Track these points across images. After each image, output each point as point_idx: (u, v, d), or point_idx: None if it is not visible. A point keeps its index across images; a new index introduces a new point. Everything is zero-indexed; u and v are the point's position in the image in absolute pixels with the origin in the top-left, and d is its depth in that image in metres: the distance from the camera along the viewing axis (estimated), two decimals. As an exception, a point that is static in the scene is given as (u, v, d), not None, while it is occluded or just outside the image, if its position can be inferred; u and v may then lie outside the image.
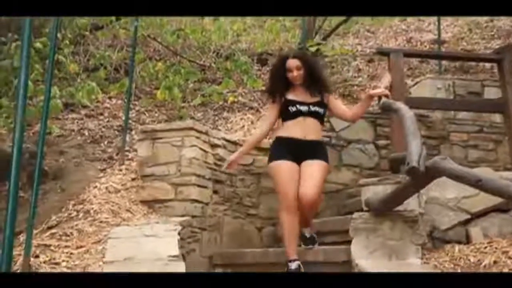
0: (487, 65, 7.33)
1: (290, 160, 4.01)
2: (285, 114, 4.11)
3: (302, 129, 4.05)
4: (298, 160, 4.03)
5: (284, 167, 3.99)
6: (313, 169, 4.00)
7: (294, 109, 4.06)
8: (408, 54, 5.74)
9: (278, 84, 4.14)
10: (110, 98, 7.11)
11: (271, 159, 4.10)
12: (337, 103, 4.33)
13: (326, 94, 4.20)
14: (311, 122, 4.08)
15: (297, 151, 4.02)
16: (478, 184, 2.97)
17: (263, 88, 7.57)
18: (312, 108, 4.08)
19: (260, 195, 5.58)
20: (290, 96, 4.13)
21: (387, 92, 4.15)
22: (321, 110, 4.13)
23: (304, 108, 4.06)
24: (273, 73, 4.30)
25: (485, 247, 4.16)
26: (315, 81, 4.12)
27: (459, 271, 3.89)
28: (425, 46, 8.85)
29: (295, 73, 4.08)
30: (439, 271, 3.93)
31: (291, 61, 4.11)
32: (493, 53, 5.88)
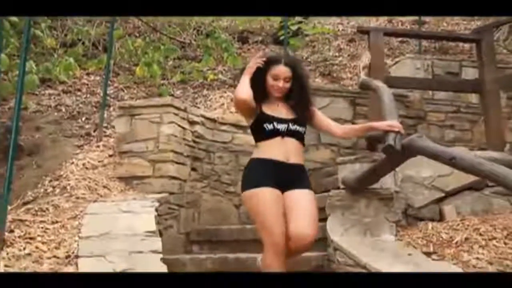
0: (466, 46, 7.40)
1: (274, 187, 3.11)
2: (259, 132, 3.21)
3: (282, 151, 3.17)
4: (281, 188, 3.15)
5: (268, 197, 3.07)
6: (306, 202, 3.15)
7: (270, 127, 3.16)
8: (388, 33, 5.74)
9: (257, 90, 3.17)
10: (88, 74, 7.02)
11: (248, 186, 3.13)
12: (321, 117, 3.42)
13: (307, 108, 3.34)
14: (291, 143, 3.20)
15: (280, 176, 3.13)
16: (451, 161, 3.01)
17: (244, 67, 7.54)
18: (292, 127, 3.21)
19: (238, 172, 5.58)
20: (266, 109, 3.22)
21: (395, 127, 3.34)
22: (301, 129, 3.26)
23: (282, 127, 3.18)
24: (254, 74, 3.21)
25: (458, 225, 4.24)
26: (300, 97, 3.28)
27: (431, 247, 3.97)
28: (406, 26, 8.86)
29: (281, 84, 3.21)
30: (411, 250, 4.00)
31: (282, 68, 3.22)
32: (472, 33, 5.92)
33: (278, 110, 3.25)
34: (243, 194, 3.16)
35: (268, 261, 3.05)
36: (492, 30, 5.92)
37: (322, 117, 3.42)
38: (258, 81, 3.19)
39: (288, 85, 3.25)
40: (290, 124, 3.20)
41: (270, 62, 3.24)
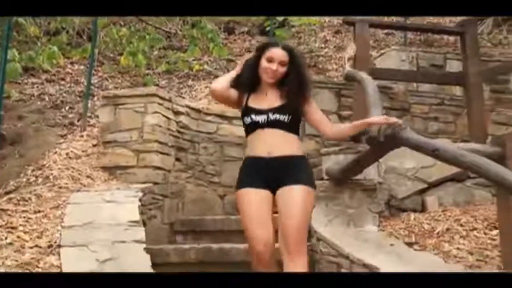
0: (451, 38, 7.43)
1: (260, 187, 2.81)
2: (244, 126, 2.98)
3: (263, 144, 2.87)
4: (271, 186, 2.83)
5: (251, 198, 2.79)
6: (298, 200, 2.77)
7: (249, 120, 2.91)
8: (373, 25, 5.75)
9: (248, 76, 2.94)
10: (72, 63, 6.96)
11: (237, 187, 2.91)
12: (314, 111, 3.02)
13: (301, 98, 2.98)
14: (273, 134, 2.88)
15: (264, 173, 2.83)
16: (434, 153, 3.03)
17: (230, 58, 7.55)
18: (272, 116, 2.89)
19: (223, 163, 5.59)
20: (250, 101, 2.96)
21: (392, 120, 3.10)
22: (284, 117, 2.90)
23: (260, 118, 2.89)
24: (248, 61, 3.01)
25: (439, 215, 4.29)
26: (295, 84, 2.95)
27: (413, 238, 4.01)
28: (392, 19, 8.88)
29: (275, 66, 2.90)
30: (393, 240, 4.04)
31: (278, 51, 2.92)
32: (456, 26, 5.95)
33: (263, 100, 2.94)
34: (236, 193, 2.90)
35: (253, 266, 2.79)
36: (476, 23, 5.96)
37: (314, 111, 3.02)
38: (251, 67, 2.94)
39: (282, 70, 2.92)
40: (270, 114, 2.89)
41: (266, 45, 2.97)
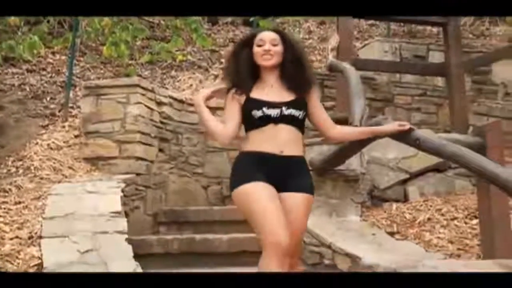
0: (434, 29, 7.47)
1: (267, 182, 2.57)
2: (248, 121, 2.68)
3: (275, 141, 2.62)
4: (276, 186, 2.58)
5: (263, 192, 2.53)
6: (299, 210, 2.58)
7: (259, 113, 2.62)
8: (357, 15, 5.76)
9: (244, 72, 2.70)
10: (53, 53, 6.86)
11: (236, 183, 2.60)
12: (318, 107, 2.78)
13: (308, 90, 2.73)
14: (286, 130, 2.63)
15: (272, 171, 2.58)
16: (416, 143, 3.05)
17: (213, 47, 7.51)
18: (286, 111, 2.64)
19: (206, 154, 5.58)
20: (255, 94, 2.68)
21: (406, 127, 2.93)
22: (298, 113, 2.67)
23: (274, 112, 2.63)
24: (236, 54, 2.76)
25: (421, 205, 4.33)
26: (295, 69, 2.69)
27: (395, 227, 4.05)
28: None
29: (268, 46, 2.67)
30: (375, 230, 4.07)
31: (266, 33, 2.72)
32: (439, 17, 5.98)
33: (271, 92, 2.67)
34: (233, 194, 2.60)
35: (266, 265, 2.46)
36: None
37: (319, 109, 2.78)
38: (246, 59, 2.70)
39: (276, 48, 2.67)
40: (284, 108, 2.63)
41: (253, 35, 2.75)
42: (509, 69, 6.08)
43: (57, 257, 3.20)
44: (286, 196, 2.58)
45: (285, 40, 2.71)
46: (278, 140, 2.60)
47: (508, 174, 2.63)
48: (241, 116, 2.67)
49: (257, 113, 2.62)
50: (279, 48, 2.68)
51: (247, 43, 2.72)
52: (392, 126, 2.93)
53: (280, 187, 2.57)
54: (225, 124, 2.64)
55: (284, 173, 2.59)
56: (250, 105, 2.64)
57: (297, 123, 2.65)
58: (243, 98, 2.65)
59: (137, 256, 3.52)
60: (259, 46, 2.68)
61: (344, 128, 2.89)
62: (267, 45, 2.66)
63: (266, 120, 2.61)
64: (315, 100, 2.76)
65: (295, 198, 2.58)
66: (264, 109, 2.62)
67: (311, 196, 2.65)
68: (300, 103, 2.68)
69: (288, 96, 2.66)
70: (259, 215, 2.48)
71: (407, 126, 2.91)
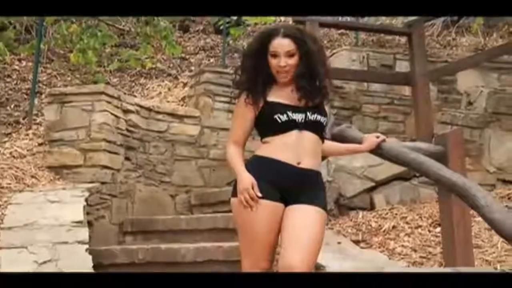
0: (403, 39, 7.57)
1: (274, 198, 2.41)
2: (269, 125, 2.49)
3: (296, 149, 2.44)
4: (283, 198, 2.43)
5: (261, 216, 2.38)
6: (308, 224, 2.38)
7: (284, 118, 2.45)
8: (323, 24, 5.80)
9: (258, 77, 2.51)
10: (19, 60, 6.76)
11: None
12: None
13: (321, 98, 2.56)
14: (310, 138, 2.47)
15: (284, 183, 2.42)
16: (378, 151, 3.08)
17: (183, 55, 7.48)
18: (311, 116, 2.48)
19: (174, 162, 5.53)
20: (274, 97, 2.51)
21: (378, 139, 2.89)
22: (323, 119, 2.53)
23: (299, 117, 2.46)
24: (249, 58, 2.57)
25: (386, 213, 4.37)
26: (309, 79, 2.50)
27: (360, 236, 4.07)
28: (347, 19, 8.98)
29: (283, 62, 2.46)
30: (341, 238, 4.09)
31: (280, 41, 2.48)
32: (404, 26, 6.07)
33: (292, 96, 2.49)
34: (231, 200, 2.47)
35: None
36: (423, 24, 6.08)
37: None
38: (259, 66, 2.51)
39: (292, 61, 2.47)
40: (309, 114, 2.47)
41: (266, 38, 2.52)
42: (472, 78, 6.19)
43: (13, 269, 3.11)
44: (292, 209, 2.40)
45: (303, 45, 2.48)
46: (299, 149, 2.44)
47: (464, 182, 2.67)
48: (256, 122, 2.52)
49: (282, 117, 2.45)
50: (295, 60, 2.48)
51: (262, 45, 2.51)
52: (370, 143, 2.86)
53: (290, 200, 2.42)
54: (232, 146, 2.51)
55: (296, 185, 2.42)
56: (272, 109, 2.47)
57: (321, 130, 2.53)
58: (258, 104, 2.48)
59: (101, 266, 3.46)
60: (274, 56, 2.48)
61: (327, 143, 2.75)
62: (282, 61, 2.46)
63: (291, 125, 2.45)
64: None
65: (302, 211, 2.38)
66: (289, 113, 2.45)
67: (323, 210, 2.45)
68: (323, 108, 2.54)
69: (305, 101, 2.49)
70: (247, 239, 2.41)
71: (382, 138, 2.89)
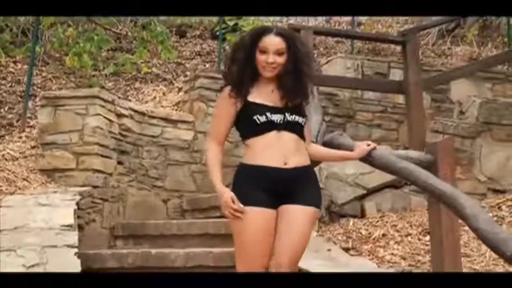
0: (398, 48, 7.61)
1: (267, 205, 2.45)
2: (249, 127, 2.52)
3: (279, 150, 2.46)
4: (276, 201, 2.47)
5: (254, 225, 2.42)
6: (299, 224, 2.45)
7: (263, 118, 2.48)
8: (318, 32, 5.84)
9: (246, 72, 2.53)
10: (15, 62, 6.76)
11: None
12: (308, 117, 2.65)
13: (304, 99, 2.60)
14: (290, 137, 2.50)
15: (275, 186, 2.45)
16: (368, 159, 3.09)
17: (178, 60, 7.50)
18: (290, 117, 2.51)
19: (167, 167, 5.53)
20: (254, 97, 2.53)
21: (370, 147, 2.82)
22: (301, 120, 2.55)
23: (278, 118, 2.49)
24: (241, 50, 2.57)
25: (377, 221, 4.38)
26: (293, 79, 2.52)
27: (350, 243, 4.07)
28: (343, 27, 9.03)
29: (271, 58, 2.49)
30: (331, 246, 4.09)
31: (271, 39, 2.51)
32: (399, 35, 6.10)
33: (271, 96, 2.53)
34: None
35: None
36: (417, 32, 6.12)
37: (306, 119, 2.65)
38: (247, 61, 2.52)
39: (281, 59, 2.50)
40: (287, 114, 2.49)
41: (258, 34, 2.53)
42: (466, 88, 6.23)
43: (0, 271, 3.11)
44: (284, 210, 2.45)
45: (292, 45, 2.53)
46: (282, 150, 2.46)
47: (453, 191, 2.68)
48: (236, 120, 2.54)
49: (261, 118, 2.47)
50: (283, 59, 2.51)
51: (254, 41, 2.53)
52: (360, 151, 2.80)
53: (282, 201, 2.45)
54: (213, 146, 2.54)
55: (288, 187, 2.45)
56: (251, 109, 2.50)
57: (300, 130, 2.54)
58: (240, 101, 2.51)
59: (90, 270, 3.45)
60: (262, 52, 2.50)
61: (319, 148, 2.78)
62: (271, 57, 2.49)
63: (269, 126, 2.47)
64: (307, 109, 2.63)
65: (293, 212, 2.44)
66: (268, 114, 2.48)
67: (316, 209, 2.53)
68: (301, 109, 2.56)
69: (286, 101, 2.52)
70: (241, 247, 2.45)
71: (372, 145, 2.83)
